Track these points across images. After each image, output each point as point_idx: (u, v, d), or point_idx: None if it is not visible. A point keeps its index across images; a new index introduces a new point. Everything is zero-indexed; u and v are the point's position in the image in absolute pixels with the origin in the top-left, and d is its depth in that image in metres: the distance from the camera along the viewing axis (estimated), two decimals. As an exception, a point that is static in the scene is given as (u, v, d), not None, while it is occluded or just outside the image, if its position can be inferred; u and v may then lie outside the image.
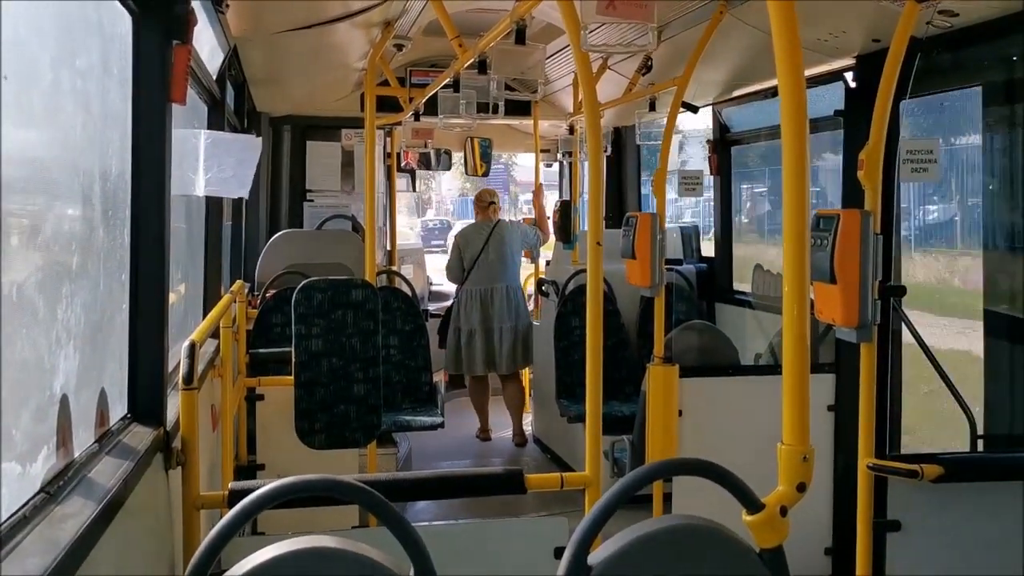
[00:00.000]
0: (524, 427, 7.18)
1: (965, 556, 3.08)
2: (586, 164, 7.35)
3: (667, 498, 4.23)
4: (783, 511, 1.72)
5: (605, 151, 6.92)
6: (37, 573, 1.36)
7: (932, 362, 3.59)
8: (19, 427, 1.69)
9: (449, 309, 7.16)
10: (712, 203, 6.32)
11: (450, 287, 7.46)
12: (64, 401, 1.89)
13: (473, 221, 7.35)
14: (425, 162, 8.50)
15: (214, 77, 4.10)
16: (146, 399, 2.35)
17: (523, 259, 7.89)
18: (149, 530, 2.24)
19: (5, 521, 1.48)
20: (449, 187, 39.84)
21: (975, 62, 3.65)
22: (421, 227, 27.80)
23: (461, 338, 6.89)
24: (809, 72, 3.41)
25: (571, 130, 7.40)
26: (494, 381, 7.25)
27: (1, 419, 1.48)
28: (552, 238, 7.54)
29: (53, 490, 1.69)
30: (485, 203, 7.15)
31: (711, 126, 6.16)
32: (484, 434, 7.28)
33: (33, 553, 1.43)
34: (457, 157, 8.94)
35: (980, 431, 3.56)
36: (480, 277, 6.88)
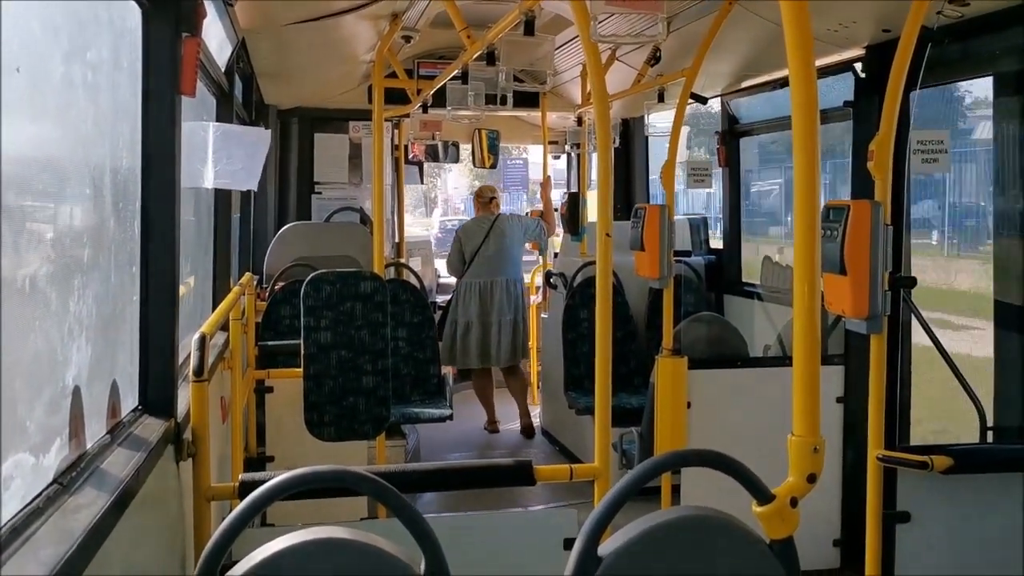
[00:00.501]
0: (532, 417, 7.19)
1: (974, 547, 3.08)
2: (594, 156, 7.39)
3: (675, 490, 4.23)
4: (793, 502, 1.72)
5: (613, 143, 6.89)
6: (51, 563, 1.37)
7: (942, 353, 3.58)
8: (33, 418, 1.71)
9: (449, 302, 7.17)
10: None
11: (458, 280, 7.46)
12: (77, 393, 1.90)
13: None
14: (433, 154, 8.48)
15: (223, 70, 4.10)
16: (157, 391, 2.36)
17: (532, 251, 7.88)
18: (160, 521, 2.25)
19: (19, 512, 1.49)
20: (456, 185, 39.10)
21: (986, 52, 3.62)
22: (439, 228, 27.44)
23: (457, 330, 6.88)
24: (818, 62, 3.38)
25: (579, 121, 7.38)
26: (498, 374, 7.26)
27: (1, 416, 1.48)
28: (559, 230, 7.53)
29: (66, 481, 1.70)
30: (486, 199, 7.15)
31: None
32: (492, 426, 7.29)
33: (47, 544, 1.44)
34: (465, 152, 8.92)
35: (990, 422, 3.55)
36: (480, 270, 6.88)
